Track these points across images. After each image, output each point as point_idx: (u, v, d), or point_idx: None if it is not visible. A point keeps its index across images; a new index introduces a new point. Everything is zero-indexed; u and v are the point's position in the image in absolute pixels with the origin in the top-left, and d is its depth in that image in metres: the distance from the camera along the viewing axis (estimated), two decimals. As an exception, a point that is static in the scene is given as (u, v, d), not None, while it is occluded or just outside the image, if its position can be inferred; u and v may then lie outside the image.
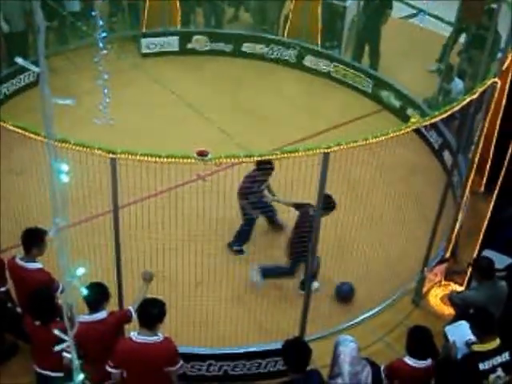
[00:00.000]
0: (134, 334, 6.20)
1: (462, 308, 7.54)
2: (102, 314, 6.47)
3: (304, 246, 7.75)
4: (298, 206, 8.64)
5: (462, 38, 12.75)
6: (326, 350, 7.05)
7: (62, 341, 3.87)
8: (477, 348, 6.44)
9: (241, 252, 9.46)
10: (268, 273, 8.67)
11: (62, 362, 5.71)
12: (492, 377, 6.35)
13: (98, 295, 6.38)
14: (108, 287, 6.59)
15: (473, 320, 6.58)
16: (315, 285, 8.52)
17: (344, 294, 8.84)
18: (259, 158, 6.74)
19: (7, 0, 11.82)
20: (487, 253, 8.09)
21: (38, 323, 6.44)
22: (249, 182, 9.00)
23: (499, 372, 6.36)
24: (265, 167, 8.71)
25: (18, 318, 7.27)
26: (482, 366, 6.32)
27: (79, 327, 3.89)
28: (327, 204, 8.00)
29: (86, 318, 6.37)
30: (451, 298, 7.79)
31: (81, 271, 3.57)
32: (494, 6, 12.14)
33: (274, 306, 8.31)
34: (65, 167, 3.09)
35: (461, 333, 6.71)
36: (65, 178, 3.16)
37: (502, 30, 10.82)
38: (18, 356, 7.77)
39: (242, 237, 9.44)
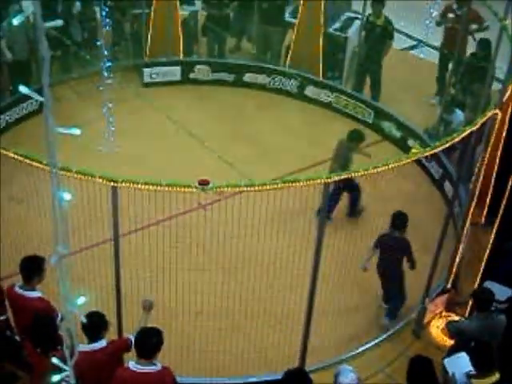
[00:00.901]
0: (132, 363, 6.15)
1: (457, 337, 7.50)
2: (101, 343, 6.42)
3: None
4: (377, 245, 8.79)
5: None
6: (325, 380, 7.00)
7: (60, 370, 3.84)
8: (476, 382, 6.37)
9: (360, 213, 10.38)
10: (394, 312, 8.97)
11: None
12: None
13: (96, 324, 6.34)
14: (106, 315, 6.56)
15: (473, 353, 6.51)
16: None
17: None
18: (261, 188, 6.74)
19: (11, 28, 11.90)
20: (488, 284, 8.06)
21: (38, 350, 6.39)
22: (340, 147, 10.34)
23: None
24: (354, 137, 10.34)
25: (18, 346, 7.22)
26: None
27: (80, 357, 3.86)
28: (403, 221, 8.53)
29: (85, 347, 6.33)
30: (447, 328, 7.76)
31: (81, 300, 3.55)
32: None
33: (275, 336, 8.26)
34: (67, 196, 3.09)
35: (460, 365, 6.65)
36: (66, 207, 3.16)
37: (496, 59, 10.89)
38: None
39: (355, 207, 10.20)
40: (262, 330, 8.28)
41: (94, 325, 6.29)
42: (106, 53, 8.27)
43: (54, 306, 6.90)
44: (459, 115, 11.81)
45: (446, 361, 6.93)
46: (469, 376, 6.48)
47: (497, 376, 6.31)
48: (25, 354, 6.85)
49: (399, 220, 8.52)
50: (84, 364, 5.95)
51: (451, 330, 7.62)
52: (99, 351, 6.38)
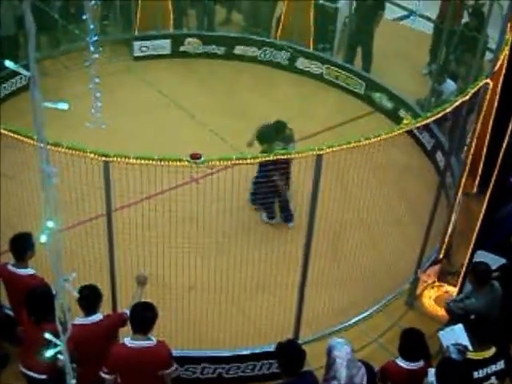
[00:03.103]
0: (127, 339, 6.17)
1: (462, 316, 7.42)
2: (97, 317, 6.46)
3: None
4: None
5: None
6: (319, 351, 7.03)
7: (53, 344, 3.83)
8: (472, 356, 6.37)
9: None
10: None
11: (46, 365, 5.66)
12: None
13: (91, 297, 6.37)
14: (99, 287, 6.57)
15: (472, 327, 6.51)
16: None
17: None
18: (252, 161, 6.74)
19: (-1, 3, 11.80)
20: (480, 254, 8.09)
21: (32, 319, 6.38)
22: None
23: (493, 380, 6.30)
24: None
25: (11, 323, 7.23)
26: (476, 374, 6.24)
27: (76, 330, 3.87)
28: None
29: (81, 320, 6.36)
30: (450, 308, 7.68)
31: (73, 275, 3.54)
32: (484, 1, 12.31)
33: (268, 309, 8.29)
34: (56, 171, 3.07)
35: (455, 337, 6.64)
36: (56, 183, 3.14)
37: (488, 29, 10.85)
38: (11, 363, 7.70)
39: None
40: (256, 303, 8.31)
41: (89, 298, 6.32)
42: (92, 27, 8.15)
43: (46, 282, 6.90)
44: (450, 85, 11.79)
45: (440, 333, 6.89)
46: (460, 351, 6.47)
47: (493, 350, 6.32)
48: (18, 330, 6.86)
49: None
50: (80, 337, 6.00)
51: (456, 310, 7.51)
52: (95, 324, 6.41)
